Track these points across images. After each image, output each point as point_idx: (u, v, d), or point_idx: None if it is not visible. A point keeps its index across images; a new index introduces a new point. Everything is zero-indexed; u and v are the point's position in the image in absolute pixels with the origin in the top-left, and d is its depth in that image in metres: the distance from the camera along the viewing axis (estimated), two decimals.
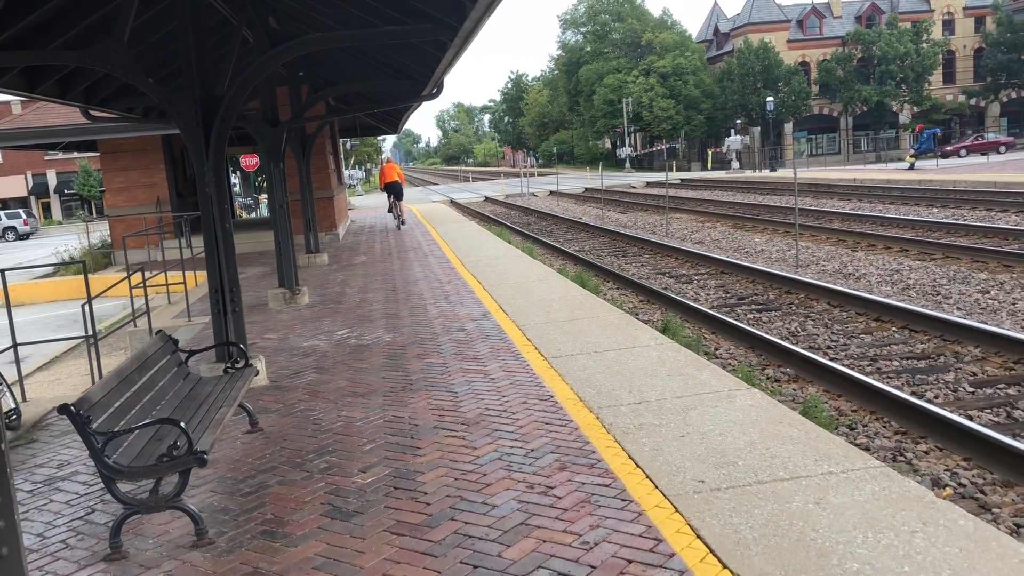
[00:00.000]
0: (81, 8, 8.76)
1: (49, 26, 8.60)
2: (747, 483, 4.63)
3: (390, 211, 26.26)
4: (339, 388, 7.50)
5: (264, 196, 35.41)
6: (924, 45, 63.05)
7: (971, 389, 8.00)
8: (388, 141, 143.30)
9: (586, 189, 47.16)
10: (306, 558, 4.24)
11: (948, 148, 55.73)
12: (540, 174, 72.67)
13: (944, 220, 20.50)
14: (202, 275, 13.74)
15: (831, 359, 9.07)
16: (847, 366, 8.68)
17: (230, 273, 7.84)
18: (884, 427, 7.19)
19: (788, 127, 65.97)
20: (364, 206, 41.81)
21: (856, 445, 6.49)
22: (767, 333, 10.34)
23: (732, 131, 63.61)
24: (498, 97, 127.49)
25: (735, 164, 59.13)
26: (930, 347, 9.51)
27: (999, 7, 63.34)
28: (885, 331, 10.38)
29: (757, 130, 64.16)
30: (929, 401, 7.56)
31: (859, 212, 24.17)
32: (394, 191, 25.33)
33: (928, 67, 63.16)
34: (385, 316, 10.83)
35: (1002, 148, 54.28)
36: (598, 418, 5.95)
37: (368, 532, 4.46)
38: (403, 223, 25.16)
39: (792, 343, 9.82)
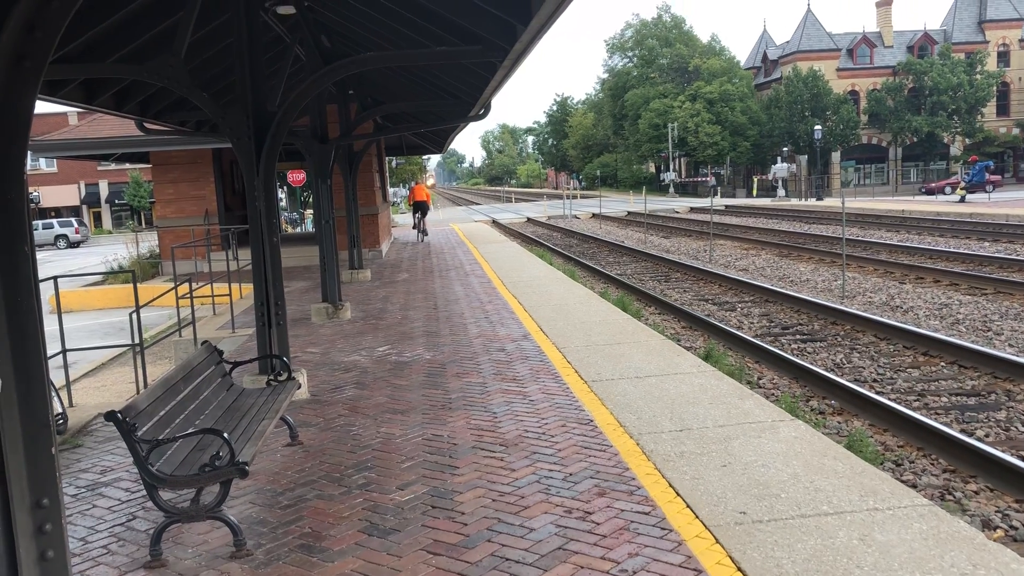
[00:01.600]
0: (140, 23, 8.98)
1: (108, 40, 8.82)
2: (790, 516, 4.54)
3: (415, 227, 29.41)
4: (379, 404, 7.53)
5: (310, 211, 35.87)
6: (978, 76, 62.05)
7: None
8: (433, 160, 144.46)
9: (629, 213, 47.03)
10: (342, 574, 4.23)
11: (932, 185, 54.96)
12: (583, 196, 72.67)
13: (996, 255, 20.05)
14: (247, 288, 13.91)
15: (877, 392, 8.89)
16: (894, 400, 8.50)
17: (276, 287, 7.93)
18: (932, 464, 7.02)
19: (836, 156, 65.26)
20: (407, 223, 42.09)
21: (903, 482, 6.34)
22: (812, 364, 10.18)
23: (779, 158, 63.07)
24: (543, 119, 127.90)
25: (781, 192, 58.59)
26: (980, 384, 9.28)
27: None
28: (933, 366, 10.16)
29: (804, 158, 63.55)
30: (979, 439, 7.37)
31: (908, 244, 23.78)
32: (422, 209, 28.89)
33: (981, 98, 62.11)
34: (426, 334, 10.86)
35: (988, 187, 52.24)
36: (638, 444, 5.89)
37: (405, 550, 4.44)
38: (426, 234, 28.50)
39: (837, 375, 9.65)
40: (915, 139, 64.20)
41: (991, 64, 64.31)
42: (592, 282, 19.11)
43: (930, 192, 53.88)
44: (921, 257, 20.90)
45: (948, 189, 53.06)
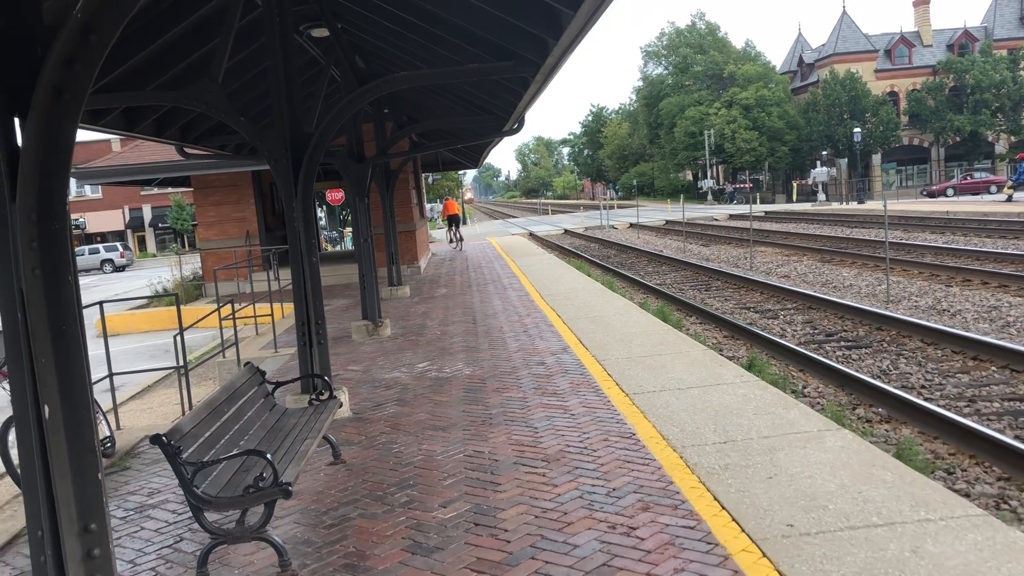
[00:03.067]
0: (177, 51, 9.16)
1: (147, 69, 9.02)
2: (838, 528, 4.45)
3: (451, 242, 33.67)
4: (420, 421, 7.54)
5: (348, 229, 36.23)
6: (1021, 72, 60.85)
7: None
8: (469, 175, 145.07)
9: (667, 222, 46.75)
10: None
11: (934, 188, 54.19)
12: (620, 206, 72.44)
13: None
14: (289, 307, 14.05)
15: (926, 399, 8.71)
16: (943, 407, 8.31)
17: (316, 306, 7.99)
18: (985, 472, 6.85)
19: (876, 158, 64.36)
20: (444, 239, 42.30)
21: (955, 491, 6.19)
22: (857, 371, 10.00)
23: (818, 162, 62.35)
24: (578, 130, 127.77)
25: (821, 196, 57.87)
26: None
27: None
28: (984, 371, 9.93)
29: (844, 162, 62.74)
30: None
31: (953, 246, 23.31)
32: (455, 221, 34.45)
33: None
34: (465, 349, 10.87)
35: (992, 188, 51.23)
36: (682, 457, 5.82)
37: (449, 569, 4.43)
38: (462, 240, 32.76)
39: (884, 382, 9.47)
40: (958, 138, 63.11)
41: None
42: (631, 293, 19.02)
43: (931, 195, 53.01)
44: (968, 259, 20.47)
45: (950, 191, 52.28)
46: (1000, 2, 66.91)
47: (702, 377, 8.12)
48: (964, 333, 11.27)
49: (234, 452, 4.97)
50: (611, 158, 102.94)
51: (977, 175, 56.11)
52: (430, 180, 59.79)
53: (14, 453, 5.98)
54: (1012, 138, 62.87)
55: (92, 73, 2.75)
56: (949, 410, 8.10)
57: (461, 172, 68.05)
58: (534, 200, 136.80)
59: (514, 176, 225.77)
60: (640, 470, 5.65)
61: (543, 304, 14.36)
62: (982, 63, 60.96)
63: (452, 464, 6.19)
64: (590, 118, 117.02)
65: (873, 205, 46.08)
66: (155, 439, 4.35)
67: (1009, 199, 41.56)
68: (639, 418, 6.90)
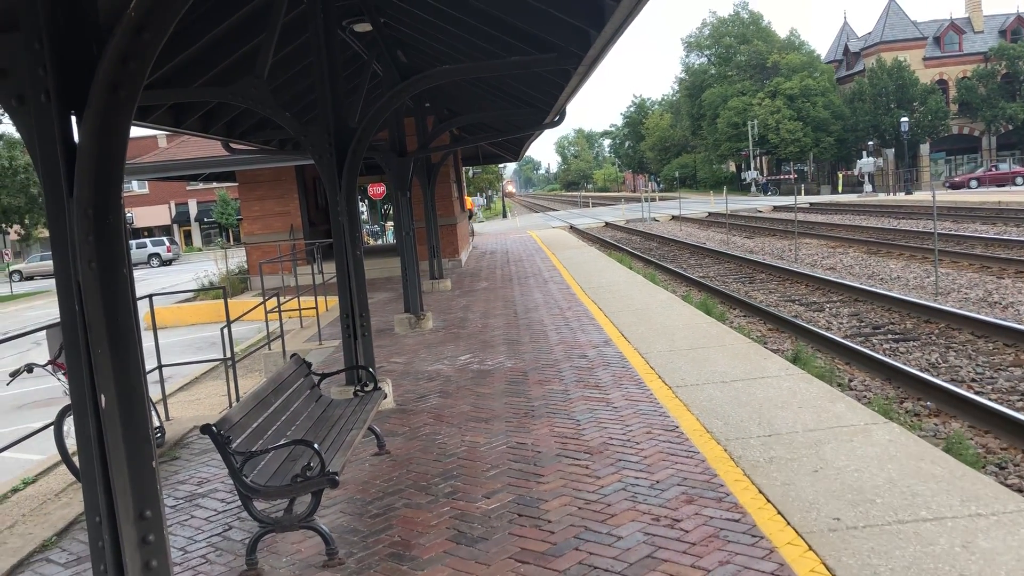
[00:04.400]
0: (222, 48, 9.29)
1: (193, 66, 9.16)
2: (886, 522, 4.40)
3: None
4: (463, 413, 7.59)
5: (390, 223, 36.48)
6: None
7: None
8: (509, 168, 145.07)
9: (709, 214, 46.34)
10: None
11: (957, 179, 53.05)
12: (661, 199, 71.98)
13: None
14: (332, 300, 14.20)
15: (976, 392, 8.54)
16: (995, 400, 8.15)
17: (360, 299, 8.07)
18: None
19: (924, 148, 63.08)
20: (484, 232, 42.40)
21: (1008, 486, 6.07)
22: (905, 364, 9.84)
23: (864, 153, 61.29)
24: (619, 121, 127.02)
25: (867, 187, 56.91)
26: None
27: None
28: None
29: (891, 152, 61.59)
30: None
31: (1005, 236, 22.78)
32: (468, 215, 35.27)
33: None
34: (506, 342, 10.90)
35: (1019, 179, 49.79)
36: (726, 450, 5.79)
37: (493, 559, 4.46)
38: (473, 234, 34.09)
39: (933, 375, 9.31)
40: (1010, 127, 61.61)
41: None
42: (674, 285, 18.90)
43: (954, 186, 51.81)
44: (1020, 250, 19.99)
45: (973, 183, 51.13)
46: None
47: (746, 370, 8.06)
48: (1017, 326, 11.01)
49: (282, 442, 5.05)
50: (653, 150, 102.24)
51: (1002, 166, 55.04)
52: (470, 173, 59.93)
53: (69, 443, 6.15)
54: None
55: (145, 70, 2.81)
56: (1001, 404, 7.95)
57: (501, 165, 68.07)
58: (574, 193, 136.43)
59: (554, 169, 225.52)
60: (684, 463, 5.63)
61: (584, 297, 14.34)
62: None
63: (495, 456, 6.22)
64: (633, 109, 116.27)
65: (921, 196, 45.21)
66: (205, 429, 4.44)
67: None
68: (682, 411, 6.87)
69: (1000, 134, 62.91)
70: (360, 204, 35.23)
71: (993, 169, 54.40)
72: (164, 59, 8.35)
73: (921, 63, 63.59)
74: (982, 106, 61.53)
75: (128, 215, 66.46)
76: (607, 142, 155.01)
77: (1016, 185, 48.80)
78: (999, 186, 49.55)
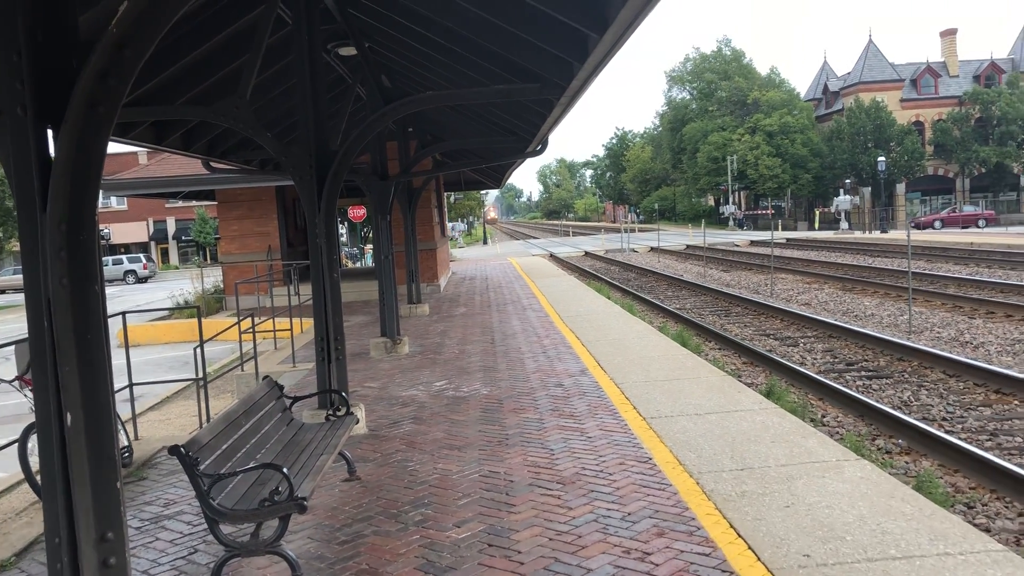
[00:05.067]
0: (206, 67, 9.29)
1: (177, 84, 9.15)
2: (856, 560, 4.40)
3: None
4: (436, 440, 7.53)
5: (369, 246, 36.44)
6: None
7: None
8: (491, 195, 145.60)
9: (688, 246, 46.61)
10: None
11: (922, 220, 55.13)
12: (641, 230, 72.37)
13: None
14: (307, 322, 14.10)
15: (947, 431, 8.61)
16: (965, 440, 8.22)
17: (336, 322, 8.03)
18: (1006, 507, 6.75)
19: (900, 188, 63.95)
20: (465, 258, 42.39)
21: (975, 525, 6.11)
22: (878, 401, 9.91)
23: (841, 191, 62.05)
24: (601, 152, 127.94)
25: (844, 224, 57.56)
26: None
27: None
28: (1006, 404, 9.81)
29: (867, 190, 62.40)
30: None
31: (977, 277, 23.09)
32: None
33: None
34: (483, 368, 10.87)
35: (981, 222, 52.82)
36: (698, 483, 5.78)
37: None
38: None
39: (904, 413, 9.38)
40: (983, 170, 62.67)
41: None
42: (651, 316, 18.96)
43: (919, 226, 53.09)
44: (992, 291, 20.26)
45: (938, 224, 52.76)
46: None
47: (720, 403, 8.07)
48: (987, 366, 11.14)
49: (251, 465, 4.98)
50: (633, 181, 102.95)
51: (967, 208, 56.94)
52: (452, 199, 60.05)
53: (33, 461, 6.03)
54: None
55: (125, 87, 2.79)
56: (970, 443, 8.01)
57: (483, 192, 68.25)
58: (555, 222, 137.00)
59: (536, 197, 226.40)
60: (656, 495, 5.62)
61: (562, 325, 14.34)
62: (1008, 95, 60.62)
63: (467, 484, 6.18)
64: (614, 141, 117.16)
65: (897, 234, 45.78)
66: (173, 450, 4.37)
67: None
68: (656, 442, 6.86)
69: (974, 176, 63.95)
70: (340, 226, 35.16)
71: (956, 211, 55.77)
72: (147, 76, 8.33)
73: (898, 104, 64.64)
74: (956, 148, 62.58)
75: (105, 231, 65.99)
76: (588, 172, 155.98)
77: (978, 227, 50.07)
78: (963, 228, 50.88)
